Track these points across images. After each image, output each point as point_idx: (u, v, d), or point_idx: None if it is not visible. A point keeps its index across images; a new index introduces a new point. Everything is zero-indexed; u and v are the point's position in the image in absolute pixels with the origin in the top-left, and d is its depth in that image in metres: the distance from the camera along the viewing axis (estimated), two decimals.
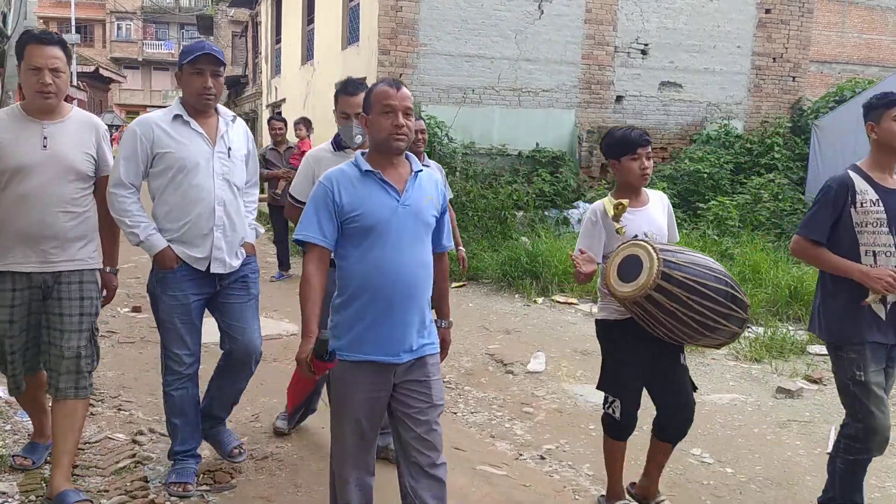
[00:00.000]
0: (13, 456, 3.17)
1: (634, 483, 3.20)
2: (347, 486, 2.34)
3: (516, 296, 7.46)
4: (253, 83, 22.27)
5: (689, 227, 9.22)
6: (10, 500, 2.91)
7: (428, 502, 2.30)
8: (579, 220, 10.01)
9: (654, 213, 2.98)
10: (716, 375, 5.09)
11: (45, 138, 2.80)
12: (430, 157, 4.75)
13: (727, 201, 9.48)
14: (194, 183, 2.91)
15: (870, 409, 2.77)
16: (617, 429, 2.98)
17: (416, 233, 2.29)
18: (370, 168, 2.29)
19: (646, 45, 11.56)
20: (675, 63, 11.71)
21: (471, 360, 5.30)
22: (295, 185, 3.47)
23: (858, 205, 2.78)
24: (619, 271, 2.73)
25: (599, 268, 2.89)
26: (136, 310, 6.23)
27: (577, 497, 3.29)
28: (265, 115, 18.92)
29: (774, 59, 12.21)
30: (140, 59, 43.64)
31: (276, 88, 18.37)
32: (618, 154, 2.90)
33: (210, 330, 3.19)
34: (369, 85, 2.59)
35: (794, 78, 12.40)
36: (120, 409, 4.00)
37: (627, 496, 3.14)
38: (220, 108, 3.08)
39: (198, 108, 2.96)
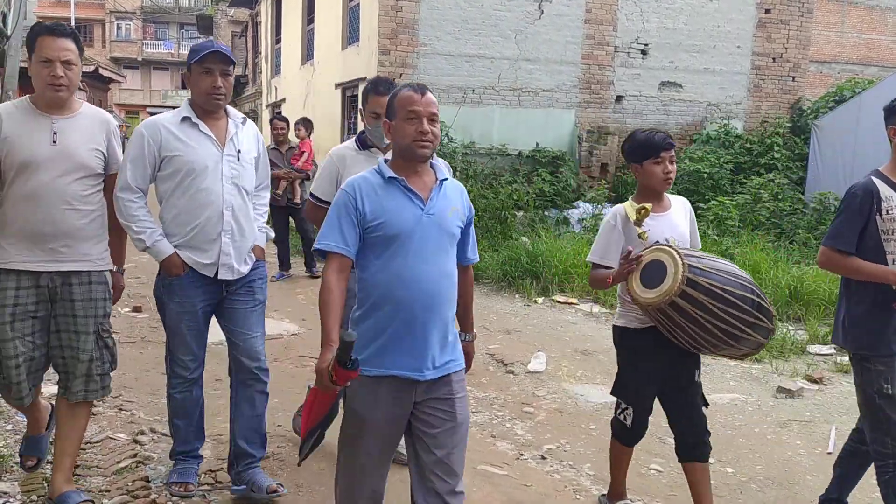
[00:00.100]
0: (20, 456, 3.11)
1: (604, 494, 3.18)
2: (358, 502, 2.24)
3: (516, 296, 7.47)
4: (253, 83, 22.29)
5: None
6: (11, 499, 2.91)
7: None
8: (579, 220, 10.03)
9: (677, 219, 2.92)
10: (716, 375, 5.09)
11: (54, 133, 2.71)
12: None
13: (727, 201, 9.48)
14: (202, 187, 2.83)
15: None
16: (627, 435, 2.96)
17: (440, 243, 2.20)
18: (394, 175, 2.20)
19: (646, 45, 11.56)
20: (674, 63, 11.71)
21: None
22: (317, 184, 3.38)
23: (884, 212, 2.69)
24: (643, 277, 2.66)
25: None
26: (137, 310, 6.25)
27: (577, 497, 3.30)
28: (265, 114, 18.92)
29: (774, 59, 12.22)
30: (140, 58, 43.62)
31: (275, 88, 18.37)
32: (640, 158, 2.84)
33: (213, 329, 3.17)
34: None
35: (793, 78, 12.41)
36: (121, 409, 4.00)
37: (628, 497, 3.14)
38: (230, 109, 3.00)
39: (207, 108, 2.88)
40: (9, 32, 9.63)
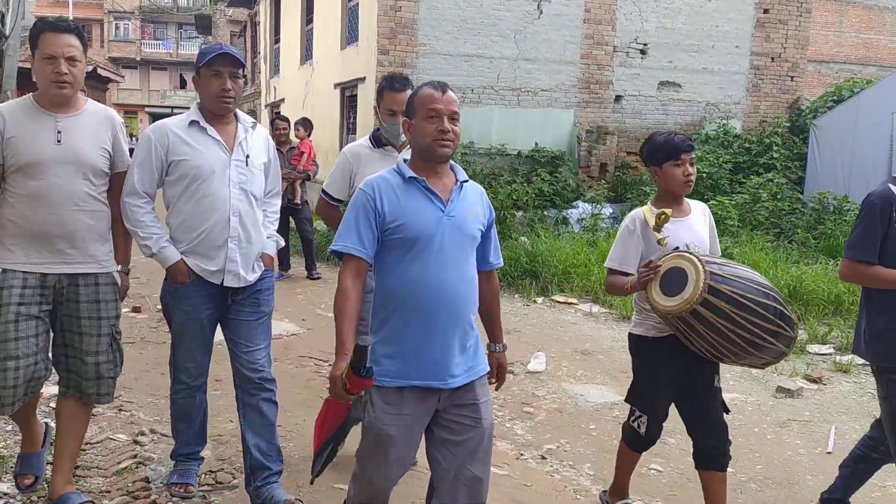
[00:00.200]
0: (16, 476, 2.98)
1: (605, 491, 3.16)
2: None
3: (516, 296, 7.47)
4: (252, 83, 22.27)
5: None
6: (12, 500, 2.90)
7: None
8: (578, 220, 10.03)
9: (696, 224, 2.85)
10: None
11: (59, 132, 2.65)
12: None
13: (726, 201, 9.49)
14: (209, 191, 2.76)
15: None
16: (639, 442, 2.90)
17: (460, 246, 2.13)
18: (414, 175, 2.13)
19: (645, 44, 11.57)
20: (673, 63, 11.72)
21: None
22: (330, 181, 3.30)
23: None
24: (662, 284, 2.58)
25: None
26: (136, 310, 6.24)
27: (578, 497, 3.30)
28: (264, 114, 18.93)
29: (773, 58, 12.23)
30: (138, 58, 43.57)
31: (274, 88, 18.37)
32: (660, 160, 2.78)
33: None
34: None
35: (792, 77, 12.42)
36: (121, 410, 4.00)
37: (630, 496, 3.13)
38: (240, 114, 2.94)
39: (216, 111, 2.82)
40: (7, 32, 9.60)
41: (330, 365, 5.17)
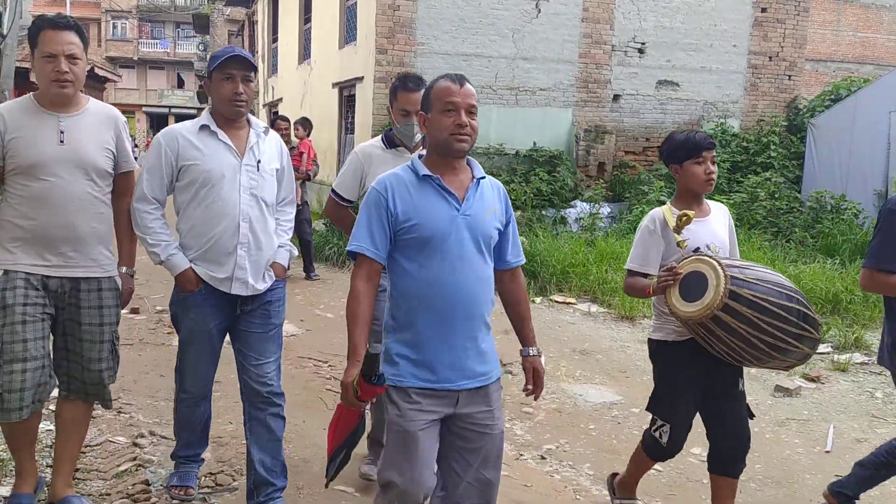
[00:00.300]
0: None
1: (615, 474, 3.12)
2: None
3: None
4: None
5: None
6: None
7: None
8: (577, 220, 10.04)
9: (716, 226, 2.80)
10: None
11: (61, 132, 2.58)
12: None
13: (724, 200, 9.48)
14: (219, 197, 2.70)
15: None
16: (658, 452, 2.83)
17: (476, 246, 2.09)
18: (428, 172, 2.07)
19: (643, 43, 11.57)
20: (671, 62, 11.73)
21: None
22: (340, 181, 3.25)
23: None
24: (682, 289, 2.52)
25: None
26: (135, 311, 6.23)
27: (577, 497, 3.30)
28: (262, 114, 18.90)
29: (770, 57, 12.24)
30: (136, 58, 43.50)
31: (272, 88, 18.36)
32: (680, 158, 2.71)
33: None
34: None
35: (789, 76, 12.43)
36: (120, 412, 3.99)
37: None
38: (253, 119, 2.89)
39: (228, 115, 2.76)
40: (4, 31, 9.58)
41: (329, 366, 5.22)
